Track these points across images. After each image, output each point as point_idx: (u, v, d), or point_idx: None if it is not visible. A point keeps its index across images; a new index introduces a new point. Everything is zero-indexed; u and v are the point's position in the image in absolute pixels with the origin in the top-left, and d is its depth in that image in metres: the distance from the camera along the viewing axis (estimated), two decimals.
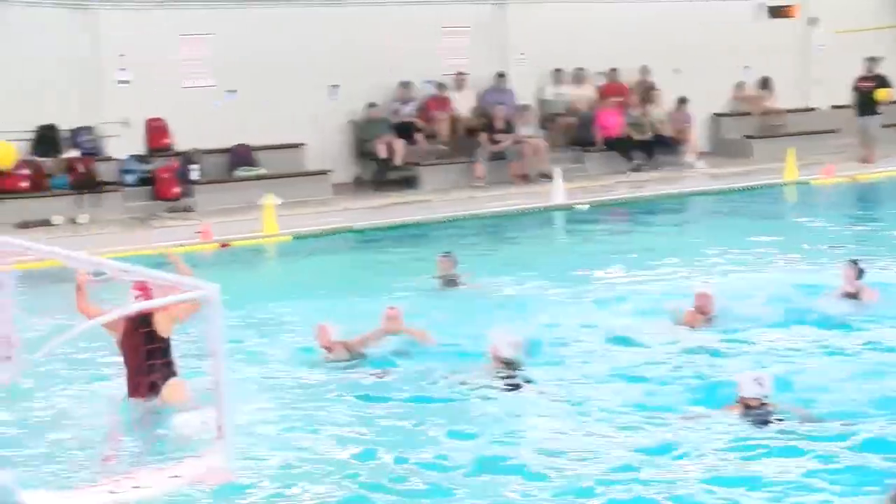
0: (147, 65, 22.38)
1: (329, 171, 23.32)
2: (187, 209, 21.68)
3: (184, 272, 10.31)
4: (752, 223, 20.22)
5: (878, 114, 25.97)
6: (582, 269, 16.43)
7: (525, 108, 25.14)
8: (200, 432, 8.92)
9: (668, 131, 25.79)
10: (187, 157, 22.25)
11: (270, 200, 19.75)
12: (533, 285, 15.41)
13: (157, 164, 22.16)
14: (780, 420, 9.76)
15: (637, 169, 25.16)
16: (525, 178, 24.07)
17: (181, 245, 18.19)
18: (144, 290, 10.09)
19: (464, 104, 25.10)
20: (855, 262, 13.80)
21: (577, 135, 25.68)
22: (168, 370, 10.59)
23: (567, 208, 21.50)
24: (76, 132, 22.03)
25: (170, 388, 10.51)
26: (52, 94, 21.55)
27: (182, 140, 22.62)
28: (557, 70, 25.88)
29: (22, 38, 21.46)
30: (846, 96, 26.57)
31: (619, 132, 25.43)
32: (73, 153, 21.77)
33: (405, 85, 24.56)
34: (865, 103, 25.90)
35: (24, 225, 20.03)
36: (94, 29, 22.21)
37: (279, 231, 19.52)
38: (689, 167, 25.42)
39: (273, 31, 23.30)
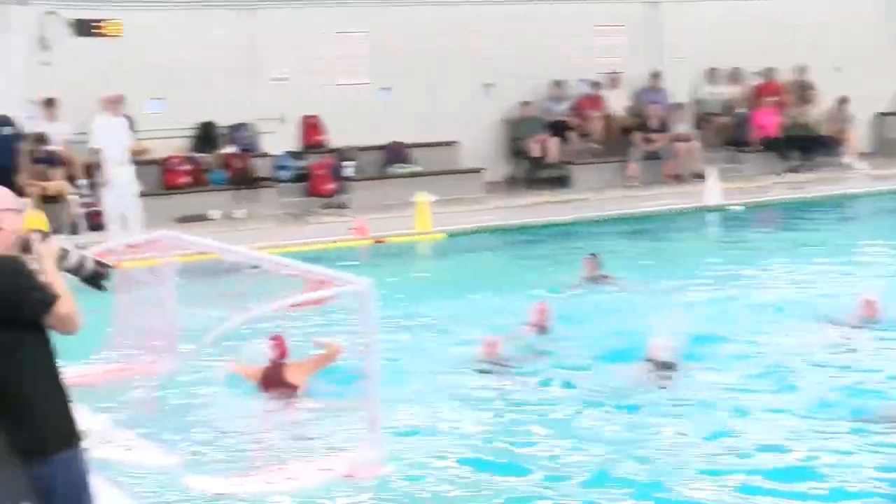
0: (303, 62, 22.70)
1: (482, 169, 23.38)
2: (342, 206, 21.90)
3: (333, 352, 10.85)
4: None
5: None
6: (736, 269, 16.16)
7: (679, 107, 24.91)
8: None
9: (826, 131, 25.30)
10: (342, 154, 22.49)
11: (424, 198, 19.84)
12: (683, 285, 15.13)
13: (311, 160, 22.44)
14: None
15: (794, 170, 24.73)
16: (678, 178, 23.86)
17: (335, 241, 18.47)
18: (279, 340, 10.71)
19: (617, 103, 24.96)
20: None
21: (732, 134, 25.37)
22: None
23: (720, 209, 21.22)
24: (233, 129, 22.43)
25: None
26: (210, 92, 21.96)
27: (336, 137, 22.88)
28: (712, 69, 25.59)
29: (185, 39, 21.92)
30: None
31: (775, 132, 25.05)
32: (231, 149, 22.17)
33: (559, 83, 24.50)
34: None
35: (184, 219, 20.43)
36: (251, 27, 22.59)
37: (432, 228, 19.62)
38: (849, 168, 24.89)
39: (427, 30, 23.45)
